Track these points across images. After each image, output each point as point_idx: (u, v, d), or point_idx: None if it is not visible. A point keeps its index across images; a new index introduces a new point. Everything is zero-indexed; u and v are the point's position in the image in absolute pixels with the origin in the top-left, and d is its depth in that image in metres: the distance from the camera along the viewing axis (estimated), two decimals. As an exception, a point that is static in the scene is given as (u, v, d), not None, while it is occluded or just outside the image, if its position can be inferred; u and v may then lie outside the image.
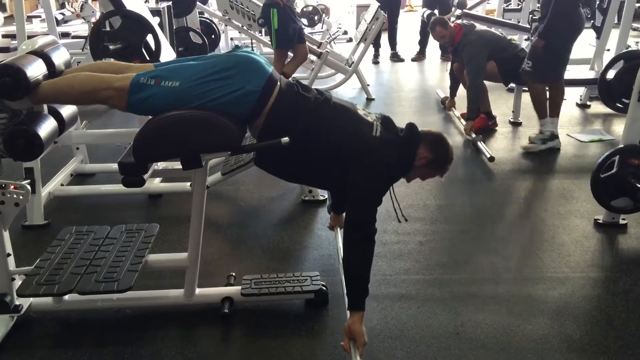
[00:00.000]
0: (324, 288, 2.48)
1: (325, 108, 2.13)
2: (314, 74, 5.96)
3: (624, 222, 3.21)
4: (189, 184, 3.50)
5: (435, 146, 2.21)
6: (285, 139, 1.97)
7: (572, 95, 5.96)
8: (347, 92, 6.43)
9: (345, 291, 2.11)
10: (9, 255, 2.26)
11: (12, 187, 2.17)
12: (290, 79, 2.26)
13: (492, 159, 4.12)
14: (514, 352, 2.19)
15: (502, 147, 4.63)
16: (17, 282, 2.29)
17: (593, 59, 5.87)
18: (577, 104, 5.76)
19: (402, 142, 2.18)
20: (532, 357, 2.16)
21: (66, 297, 2.35)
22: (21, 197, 2.17)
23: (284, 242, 3.08)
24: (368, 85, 6.35)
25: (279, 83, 2.11)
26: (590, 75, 5.51)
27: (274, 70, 2.14)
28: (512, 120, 5.21)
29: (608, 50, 6.02)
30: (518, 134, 4.93)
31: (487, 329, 2.32)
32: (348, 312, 2.04)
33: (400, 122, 2.26)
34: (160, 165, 3.89)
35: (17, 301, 2.30)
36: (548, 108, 4.46)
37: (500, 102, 5.71)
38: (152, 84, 2.00)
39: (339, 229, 2.74)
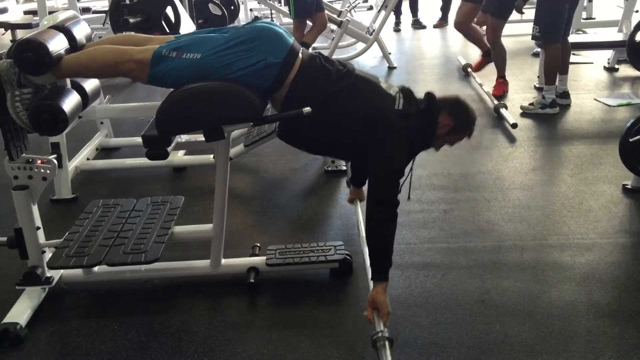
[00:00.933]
0: (348, 257, 2.49)
1: (348, 80, 2.11)
2: (335, 43, 5.89)
3: (653, 187, 3.15)
4: (212, 156, 3.51)
5: (455, 111, 2.18)
6: (307, 109, 1.96)
7: (600, 59, 5.82)
8: (368, 60, 6.37)
9: (368, 262, 2.11)
10: (38, 228, 2.30)
11: (39, 161, 2.20)
12: (310, 49, 2.24)
13: (515, 125, 4.06)
14: (540, 318, 2.18)
15: (527, 112, 4.55)
16: (48, 255, 2.34)
17: (621, 20, 5.72)
18: (605, 68, 5.63)
19: (423, 114, 2.15)
20: (559, 323, 2.15)
21: (95, 268, 2.39)
22: (48, 172, 2.20)
23: (307, 213, 3.09)
24: (390, 53, 6.27)
25: (300, 55, 2.09)
26: (619, 37, 5.38)
27: (295, 42, 2.12)
28: (537, 85, 5.11)
29: (637, 11, 5.86)
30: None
31: (512, 296, 2.32)
32: (371, 283, 2.05)
33: (423, 90, 2.23)
34: (184, 137, 3.90)
35: (48, 273, 2.35)
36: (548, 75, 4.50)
37: (525, 67, 5.60)
38: (174, 56, 2.00)
39: (358, 202, 2.74)
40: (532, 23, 4.51)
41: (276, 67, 2.01)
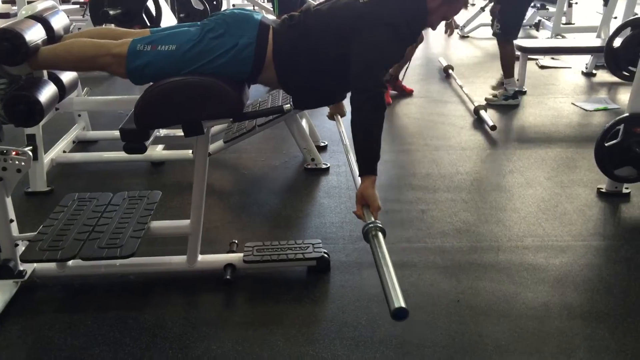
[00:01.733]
0: (326, 255, 2.49)
1: (310, 19, 2.09)
2: None
3: (627, 191, 3.20)
4: (191, 151, 3.49)
5: None
6: (287, 106, 1.96)
7: (578, 64, 5.91)
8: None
9: (354, 159, 2.02)
10: (12, 221, 2.27)
11: (13, 153, 2.16)
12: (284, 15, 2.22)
13: (494, 127, 4.10)
14: (515, 319, 2.21)
15: (506, 115, 4.60)
16: (21, 248, 2.30)
17: (600, 26, 5.80)
18: (583, 73, 5.71)
19: None
20: (533, 324, 2.18)
21: (70, 262, 2.36)
22: (23, 164, 2.17)
23: (286, 210, 3.08)
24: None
25: (272, 27, 2.08)
26: (597, 43, 5.46)
27: (264, 16, 2.11)
28: (516, 88, 5.16)
29: (615, 17, 5.94)
30: (523, 102, 4.89)
31: (487, 297, 2.34)
32: (359, 179, 1.95)
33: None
34: (162, 132, 3.89)
35: (21, 267, 2.32)
36: (505, 67, 4.79)
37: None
38: (149, 50, 1.98)
39: (339, 117, 2.68)
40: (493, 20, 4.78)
41: (252, 47, 2.00)
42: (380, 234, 1.73)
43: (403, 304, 1.43)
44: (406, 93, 5.09)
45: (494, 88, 5.22)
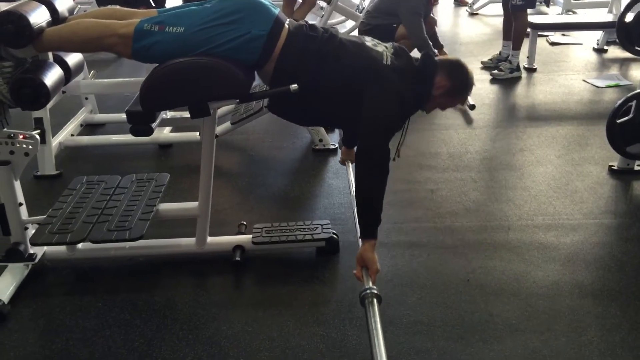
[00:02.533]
0: (335, 236, 2.48)
1: (332, 44, 2.06)
2: (324, 20, 5.81)
3: (639, 168, 3.16)
4: (198, 133, 3.48)
5: (454, 73, 2.12)
6: (294, 86, 1.93)
7: (589, 40, 5.82)
8: (357, 39, 6.31)
9: (357, 221, 2.05)
10: (21, 204, 2.27)
11: (21, 136, 2.16)
12: (302, 20, 2.19)
13: (472, 107, 4.05)
14: (525, 297, 2.20)
15: (516, 93, 4.55)
16: (31, 231, 2.31)
17: (611, 1, 5.70)
18: (594, 49, 5.63)
19: (417, 71, 2.09)
20: (543, 303, 2.17)
21: (79, 245, 2.37)
22: (30, 147, 2.17)
23: (294, 191, 3.07)
24: (379, 31, 6.20)
25: (287, 25, 2.06)
26: (608, 18, 5.38)
27: (281, 13, 2.07)
28: (526, 66, 5.10)
29: (627, -8, 5.83)
30: (533, 80, 4.83)
31: (497, 276, 2.33)
32: (360, 241, 1.98)
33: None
34: (169, 114, 3.87)
35: (31, 250, 2.33)
36: (514, 41, 4.78)
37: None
38: (157, 30, 1.95)
39: (350, 163, 2.69)
40: None
41: (262, 40, 1.97)
42: (375, 301, 1.80)
43: None
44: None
45: (491, 60, 5.20)
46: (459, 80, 2.12)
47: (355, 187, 2.02)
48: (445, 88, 2.10)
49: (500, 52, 5.15)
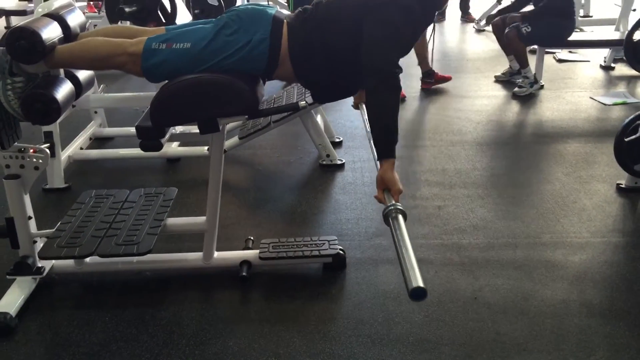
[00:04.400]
0: (342, 252, 2.48)
1: (321, 11, 2.07)
2: None
3: (647, 186, 3.16)
4: (206, 148, 3.49)
5: None
6: (303, 103, 1.95)
7: (596, 57, 5.82)
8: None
9: (372, 144, 1.98)
10: (30, 218, 2.29)
11: (31, 151, 2.18)
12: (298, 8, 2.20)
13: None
14: (533, 316, 2.18)
15: (523, 110, 4.56)
16: (39, 245, 2.32)
17: (619, 19, 5.71)
18: (601, 66, 5.63)
19: None
20: (551, 322, 2.15)
21: (87, 259, 2.38)
22: (40, 161, 2.18)
23: (301, 206, 3.08)
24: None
25: (285, 21, 2.07)
26: (616, 36, 5.37)
27: (278, 11, 2.10)
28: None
29: (634, 10, 5.85)
30: (540, 97, 4.84)
31: (505, 294, 2.32)
32: (378, 163, 1.91)
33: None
34: (178, 129, 3.89)
35: (39, 263, 2.33)
36: (521, 60, 4.89)
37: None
38: (164, 48, 1.98)
39: (364, 105, 2.66)
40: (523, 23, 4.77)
41: (266, 43, 1.99)
42: (400, 216, 1.69)
43: (421, 284, 1.42)
44: (446, 79, 5.09)
45: (504, 74, 5.26)
46: None
47: (367, 107, 1.95)
48: None
49: (510, 65, 5.21)
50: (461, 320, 2.17)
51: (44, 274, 2.33)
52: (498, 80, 5.26)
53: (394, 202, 1.77)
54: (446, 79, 5.07)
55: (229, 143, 3.51)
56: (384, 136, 1.89)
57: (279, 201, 3.16)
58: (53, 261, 2.38)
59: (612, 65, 5.59)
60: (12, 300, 2.22)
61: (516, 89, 4.89)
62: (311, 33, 2.05)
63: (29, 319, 2.21)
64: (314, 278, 2.45)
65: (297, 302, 2.30)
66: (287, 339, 2.09)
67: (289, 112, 3.28)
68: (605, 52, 5.69)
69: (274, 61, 2.03)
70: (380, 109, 1.89)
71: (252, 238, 2.60)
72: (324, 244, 2.49)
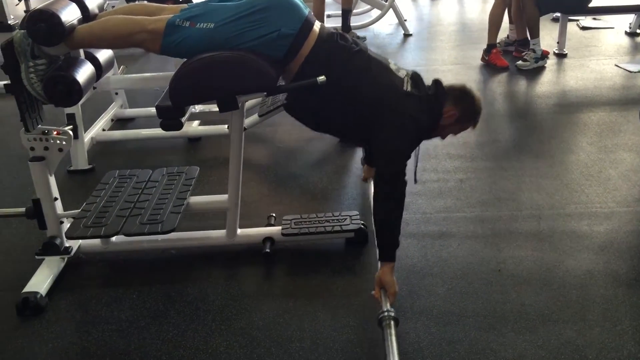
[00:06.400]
0: (364, 227, 2.48)
1: (360, 59, 2.09)
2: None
3: (675, 155, 3.10)
4: (226, 126, 3.50)
5: (460, 101, 2.15)
6: (322, 78, 1.94)
7: (621, 24, 5.68)
8: (383, 28, 6.28)
9: (376, 242, 2.10)
10: (56, 199, 2.32)
11: (55, 133, 2.20)
12: (332, 27, 2.20)
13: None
14: (557, 287, 2.17)
15: (546, 80, 4.48)
16: (66, 225, 2.37)
17: (644, -17, 5.54)
18: (626, 33, 5.50)
19: (430, 99, 2.12)
20: (576, 292, 2.14)
21: (113, 238, 2.42)
22: (64, 143, 2.21)
23: (322, 182, 3.08)
24: (405, 20, 6.16)
25: (316, 28, 2.06)
26: (641, 1, 5.23)
27: (311, 14, 2.09)
28: (557, 51, 5.02)
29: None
30: (563, 66, 4.75)
31: (529, 266, 2.31)
32: (379, 263, 2.05)
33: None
34: (198, 108, 3.91)
35: (67, 243, 2.38)
36: (532, 29, 4.74)
37: (544, 32, 5.48)
38: (187, 26, 1.98)
39: (372, 181, 2.72)
40: None
41: (290, 38, 1.99)
42: (392, 323, 1.86)
43: None
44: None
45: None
46: (465, 109, 2.17)
47: (374, 212, 2.10)
48: (454, 117, 2.14)
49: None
50: (485, 292, 2.17)
51: (72, 253, 2.38)
52: (521, 69, 4.92)
53: (388, 306, 1.92)
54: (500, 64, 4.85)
55: (248, 121, 3.51)
56: (387, 240, 2.04)
57: (300, 178, 3.17)
58: (80, 241, 2.42)
59: (638, 31, 5.45)
60: (42, 280, 2.27)
61: (519, 62, 4.77)
62: (336, 63, 2.04)
63: (58, 297, 2.26)
64: (337, 253, 2.46)
65: (320, 277, 2.31)
66: (312, 313, 2.11)
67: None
68: (630, 18, 5.55)
69: (288, 58, 2.02)
70: (386, 220, 2.02)
71: (274, 215, 2.62)
72: (345, 219, 2.50)
